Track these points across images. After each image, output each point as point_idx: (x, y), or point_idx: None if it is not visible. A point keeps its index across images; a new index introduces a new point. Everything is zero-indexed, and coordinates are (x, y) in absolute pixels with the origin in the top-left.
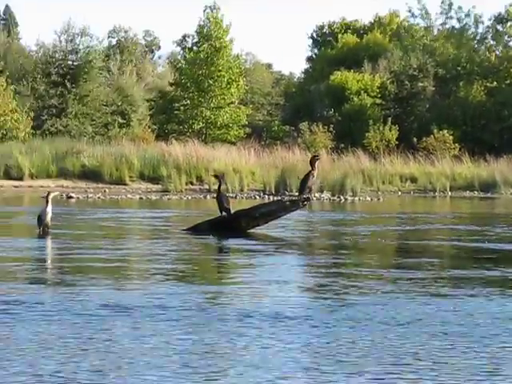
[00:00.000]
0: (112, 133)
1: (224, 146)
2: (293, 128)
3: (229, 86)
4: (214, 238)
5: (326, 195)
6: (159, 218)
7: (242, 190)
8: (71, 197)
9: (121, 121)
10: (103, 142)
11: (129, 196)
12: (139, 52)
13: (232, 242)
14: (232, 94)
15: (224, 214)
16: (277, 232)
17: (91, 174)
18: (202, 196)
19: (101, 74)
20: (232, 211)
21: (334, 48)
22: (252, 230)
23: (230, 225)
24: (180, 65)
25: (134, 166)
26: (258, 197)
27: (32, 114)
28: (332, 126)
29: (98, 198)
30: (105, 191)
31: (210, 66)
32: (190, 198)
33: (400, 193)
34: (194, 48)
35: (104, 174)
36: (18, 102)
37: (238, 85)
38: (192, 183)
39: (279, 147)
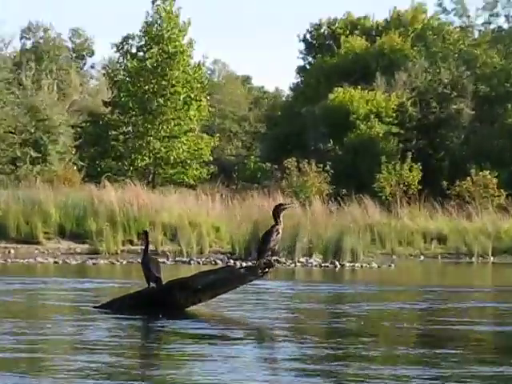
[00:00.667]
0: (21, 171)
1: (179, 190)
2: (275, 166)
3: (187, 107)
4: (138, 318)
5: (316, 260)
6: (79, 290)
7: (200, 253)
8: None
9: (34, 154)
10: (8, 184)
11: (41, 260)
12: (63, 59)
13: (164, 325)
14: (191, 119)
15: (153, 285)
16: (233, 311)
17: None
18: None
19: (7, 89)
20: (165, 281)
21: (336, 55)
22: (193, 308)
23: (162, 300)
24: (119, 77)
25: (52, 217)
26: (221, 261)
27: None
28: (330, 163)
29: None
30: (9, 252)
31: (161, 79)
32: (126, 262)
33: (423, 257)
34: (139, 54)
35: (9, 228)
36: None
37: (200, 105)
38: (132, 242)
39: (255, 193)
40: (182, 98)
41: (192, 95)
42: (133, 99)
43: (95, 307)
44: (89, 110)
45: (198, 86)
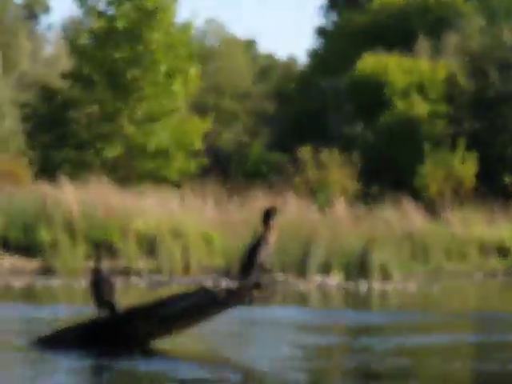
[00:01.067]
0: None
1: (159, 188)
2: (287, 157)
3: (170, 81)
4: (81, 358)
5: (335, 279)
6: (21, 321)
7: (186, 270)
8: None
9: None
10: None
11: None
12: (9, 18)
13: (121, 367)
14: (176, 95)
15: (104, 313)
16: (222, 347)
17: None
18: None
19: None
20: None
21: (366, 12)
22: (159, 343)
23: (117, 333)
24: (82, 42)
25: None
26: (212, 282)
27: None
28: (358, 152)
29: None
30: None
31: (136, 43)
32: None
33: (478, 275)
34: (108, 11)
35: None
36: None
37: (187, 78)
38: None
39: (260, 191)
40: (163, 69)
41: (177, 65)
42: (99, 70)
43: (27, 343)
44: (42, 84)
45: (185, 52)
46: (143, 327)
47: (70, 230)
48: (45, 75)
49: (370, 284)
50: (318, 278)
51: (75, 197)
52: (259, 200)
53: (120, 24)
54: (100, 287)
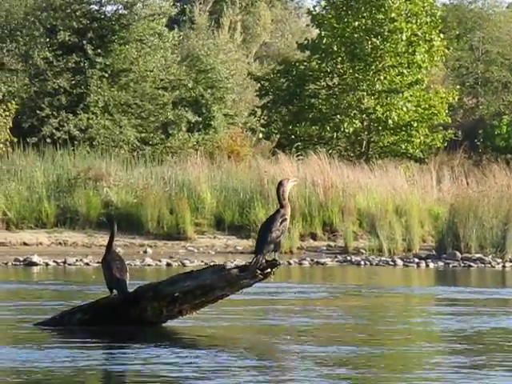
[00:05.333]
0: (174, 141)
1: (402, 164)
2: None
3: (412, 50)
4: (95, 339)
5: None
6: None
7: (408, 250)
8: (34, 263)
9: (189, 118)
10: (153, 160)
11: (189, 260)
12: None
13: (133, 353)
14: (419, 65)
15: (115, 292)
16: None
17: (123, 221)
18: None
19: (153, 31)
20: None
21: None
22: (172, 324)
23: (126, 314)
24: (319, 10)
25: (206, 204)
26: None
27: (14, 107)
28: None
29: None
30: (145, 252)
31: (376, 11)
32: (307, 263)
33: None
34: None
35: (146, 219)
36: None
37: (432, 47)
38: (314, 236)
39: (497, 166)
40: (405, 37)
41: (419, 33)
42: (338, 40)
43: (35, 324)
44: (282, 57)
45: (428, 19)
46: (152, 308)
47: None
48: (285, 47)
49: None
50: (457, 254)
51: (292, 173)
52: (496, 177)
53: None
54: (111, 264)
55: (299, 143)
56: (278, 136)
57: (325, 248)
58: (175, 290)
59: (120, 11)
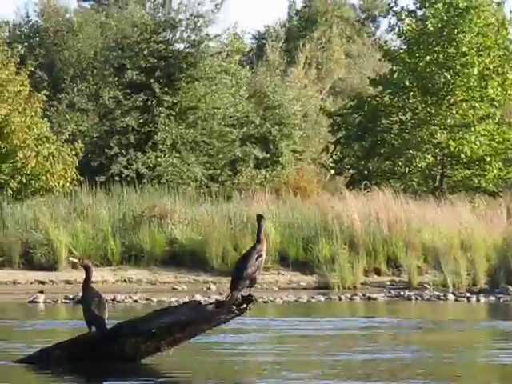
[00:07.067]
0: (241, 178)
1: (473, 199)
2: None
3: (484, 84)
4: (72, 376)
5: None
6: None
7: (473, 285)
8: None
9: (257, 155)
10: (218, 197)
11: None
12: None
13: None
14: (492, 99)
15: (93, 329)
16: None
17: (186, 258)
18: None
19: (220, 69)
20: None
21: None
22: (150, 360)
23: (104, 350)
24: (391, 45)
25: (271, 239)
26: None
27: (80, 146)
28: None
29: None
30: (209, 289)
31: (448, 45)
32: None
33: None
34: (418, 11)
35: (210, 256)
36: (55, 120)
37: (506, 80)
38: (378, 272)
39: None
40: (476, 71)
41: (491, 66)
42: (410, 75)
43: (15, 362)
44: (355, 92)
45: (501, 53)
46: (130, 344)
47: (350, 243)
48: (358, 82)
49: None
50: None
51: (356, 209)
52: None
53: (431, 25)
54: (89, 301)
55: (368, 180)
56: (350, 171)
57: (388, 283)
58: (152, 326)
59: (187, 50)
